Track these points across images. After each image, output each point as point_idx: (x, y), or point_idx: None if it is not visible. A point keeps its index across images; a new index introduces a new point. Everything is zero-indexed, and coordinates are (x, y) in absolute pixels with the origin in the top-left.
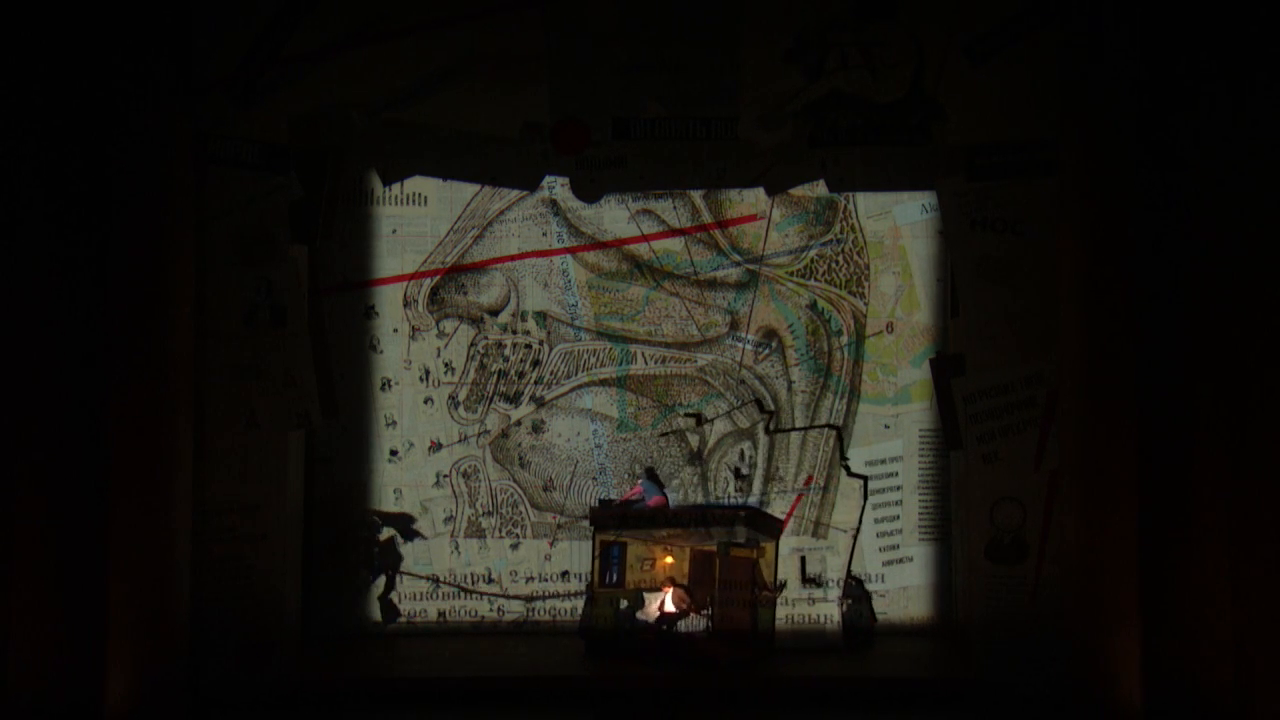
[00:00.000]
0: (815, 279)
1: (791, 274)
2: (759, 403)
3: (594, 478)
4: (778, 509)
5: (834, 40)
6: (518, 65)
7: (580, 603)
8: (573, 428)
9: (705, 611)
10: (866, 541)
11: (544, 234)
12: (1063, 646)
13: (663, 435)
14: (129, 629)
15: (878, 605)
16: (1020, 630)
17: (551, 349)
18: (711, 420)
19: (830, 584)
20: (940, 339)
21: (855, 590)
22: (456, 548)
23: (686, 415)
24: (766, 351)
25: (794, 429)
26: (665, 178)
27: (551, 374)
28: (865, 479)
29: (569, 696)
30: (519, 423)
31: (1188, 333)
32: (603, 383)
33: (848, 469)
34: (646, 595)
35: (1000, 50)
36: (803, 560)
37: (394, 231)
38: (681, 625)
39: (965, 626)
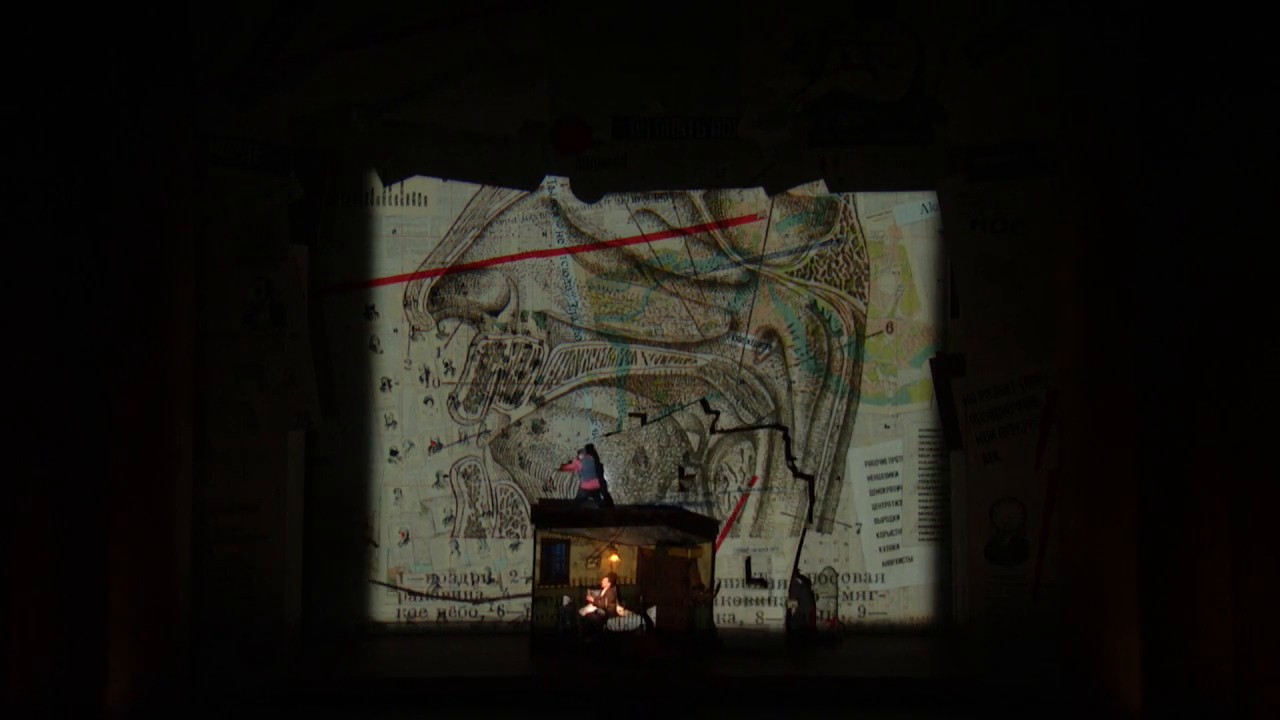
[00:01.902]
0: (815, 279)
1: (791, 274)
2: (704, 403)
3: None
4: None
5: (834, 40)
6: (518, 65)
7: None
8: (573, 428)
9: (648, 610)
10: (866, 541)
11: (544, 234)
12: (1063, 646)
13: (607, 435)
14: (129, 629)
15: (878, 605)
16: (1020, 630)
17: (551, 349)
18: (656, 420)
19: (776, 584)
20: (940, 339)
21: (801, 591)
22: (456, 548)
23: (631, 415)
24: (766, 351)
25: (738, 429)
26: (665, 178)
27: (551, 374)
28: (811, 478)
29: (572, 696)
30: (519, 423)
31: (1188, 333)
32: (603, 383)
33: (794, 469)
34: (591, 592)
35: (1000, 50)
36: (748, 561)
37: (394, 231)
38: (619, 623)
39: (965, 626)
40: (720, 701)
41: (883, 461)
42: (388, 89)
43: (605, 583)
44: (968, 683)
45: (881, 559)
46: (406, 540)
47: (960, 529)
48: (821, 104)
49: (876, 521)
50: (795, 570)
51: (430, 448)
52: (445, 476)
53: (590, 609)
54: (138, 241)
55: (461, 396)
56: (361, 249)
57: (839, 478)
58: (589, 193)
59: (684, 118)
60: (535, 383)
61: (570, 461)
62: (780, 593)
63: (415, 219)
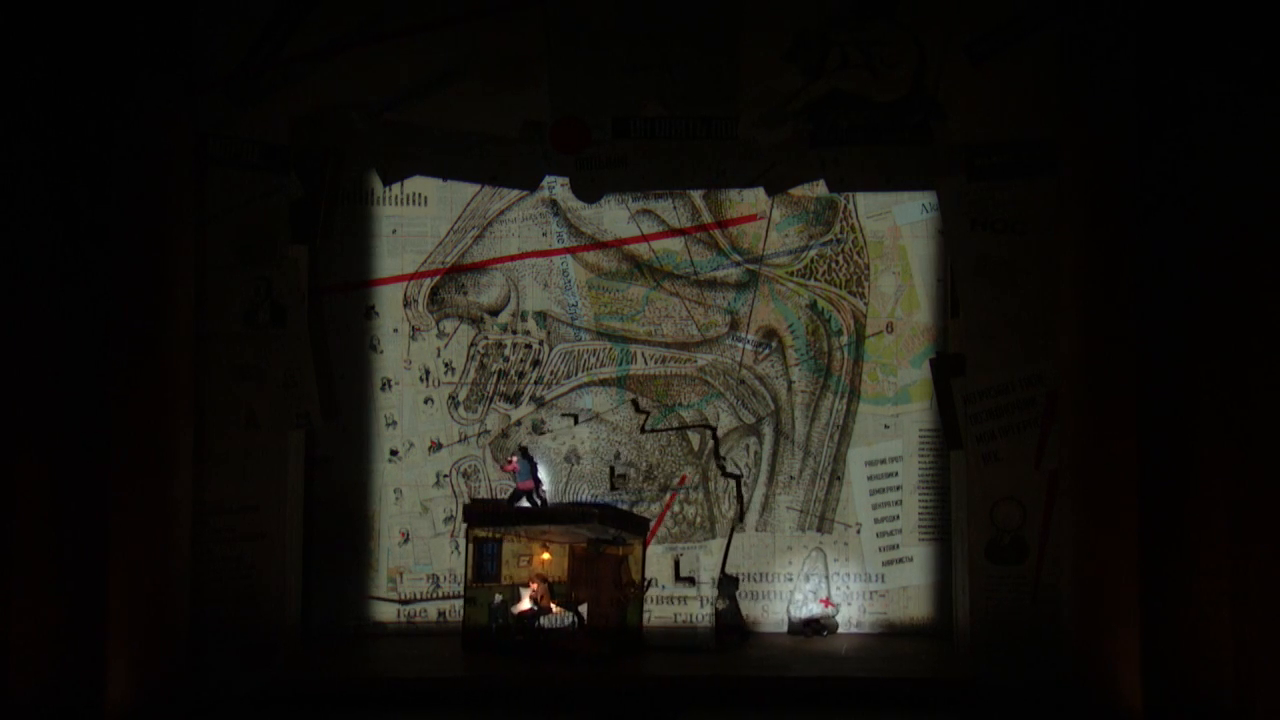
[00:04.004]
0: (815, 279)
1: (791, 274)
2: (635, 403)
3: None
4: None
5: (834, 40)
6: (518, 65)
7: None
8: (572, 428)
9: (581, 607)
10: (866, 541)
11: (544, 234)
12: (1063, 646)
13: (542, 433)
14: (129, 629)
15: (877, 605)
16: (1020, 630)
17: (551, 349)
18: (589, 419)
19: (704, 583)
20: (940, 339)
21: (729, 589)
22: (456, 547)
23: (564, 415)
24: (766, 351)
25: (671, 429)
26: (665, 178)
27: (551, 374)
28: (739, 478)
29: (576, 695)
30: (519, 423)
31: (1188, 332)
32: (603, 382)
33: (723, 469)
34: (522, 590)
35: (1000, 50)
36: (676, 561)
37: (394, 231)
38: (552, 620)
39: (965, 626)
40: (720, 700)
41: (883, 461)
42: (388, 89)
43: (534, 584)
44: (968, 683)
45: (881, 559)
46: (406, 540)
47: (960, 529)
48: (821, 104)
49: (876, 521)
50: (723, 569)
51: (430, 448)
52: (445, 476)
53: (523, 606)
54: (138, 241)
55: (461, 396)
56: (361, 249)
57: (839, 478)
58: (589, 193)
59: (684, 118)
60: (535, 383)
61: (509, 462)
62: (709, 590)
63: (415, 219)
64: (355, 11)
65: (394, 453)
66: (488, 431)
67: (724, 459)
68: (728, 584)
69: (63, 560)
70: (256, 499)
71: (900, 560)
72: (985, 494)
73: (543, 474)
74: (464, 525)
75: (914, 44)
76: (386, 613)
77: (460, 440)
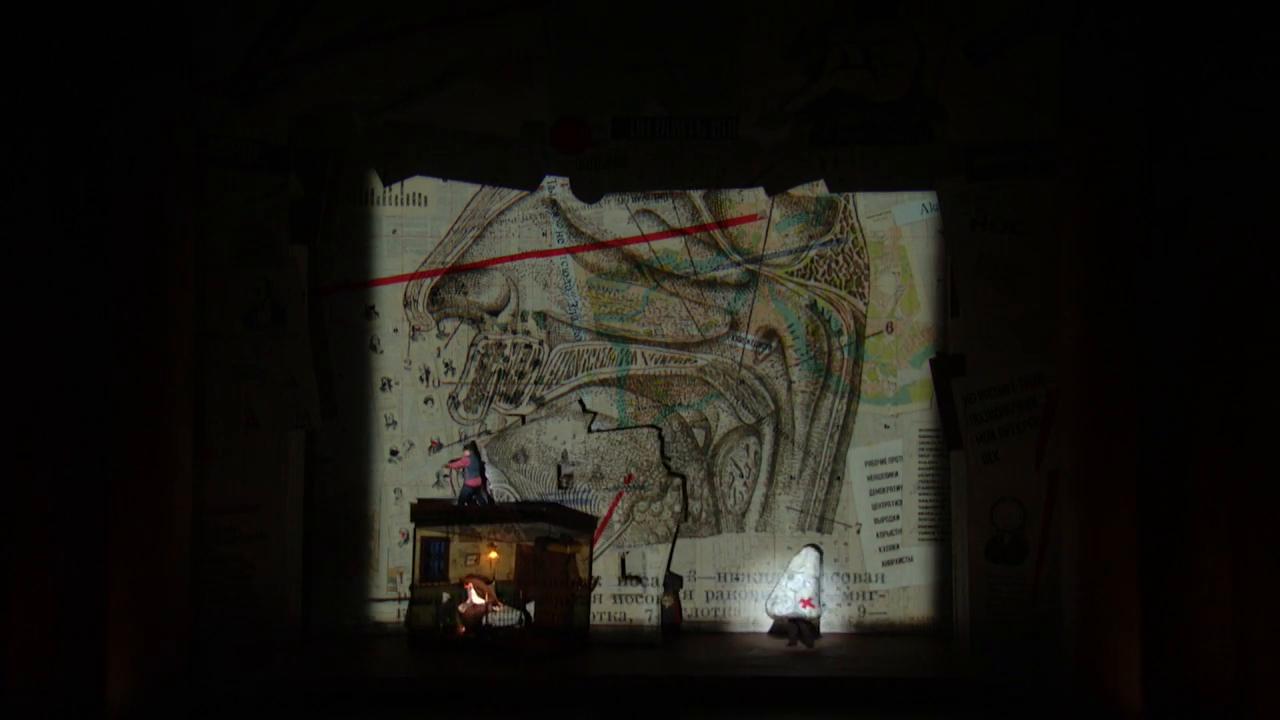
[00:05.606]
0: (815, 279)
1: (791, 274)
2: (581, 403)
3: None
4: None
5: (834, 40)
6: (518, 65)
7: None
8: (570, 428)
9: (528, 605)
10: (866, 541)
11: (544, 234)
12: (1063, 646)
13: (484, 434)
14: (129, 629)
15: (878, 605)
16: (1020, 630)
17: (551, 349)
18: (535, 420)
19: (650, 582)
20: (940, 339)
21: (675, 587)
22: None
23: (511, 415)
24: (766, 351)
25: (618, 428)
26: (665, 178)
27: (551, 374)
28: (684, 477)
29: (576, 695)
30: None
31: (1188, 333)
32: (603, 383)
33: (668, 468)
34: (470, 589)
35: (1000, 50)
36: (623, 560)
37: (394, 231)
38: (499, 618)
39: (965, 626)
40: (720, 700)
41: (883, 461)
42: (388, 89)
43: (471, 585)
44: (967, 683)
45: (881, 559)
46: (407, 540)
47: (960, 529)
48: (821, 104)
49: (876, 521)
50: (668, 568)
51: (430, 448)
52: (445, 476)
53: (467, 605)
54: (137, 241)
55: (461, 396)
56: (361, 249)
57: (839, 478)
58: (589, 193)
59: (684, 118)
60: (535, 383)
61: (457, 458)
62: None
63: (415, 219)
64: (355, 11)
65: (394, 453)
66: (488, 431)
67: (669, 459)
68: (673, 582)
69: (63, 560)
70: (256, 499)
71: (900, 560)
72: (985, 494)
73: (489, 472)
74: (411, 525)
75: (914, 44)
76: (386, 613)
77: (460, 440)
